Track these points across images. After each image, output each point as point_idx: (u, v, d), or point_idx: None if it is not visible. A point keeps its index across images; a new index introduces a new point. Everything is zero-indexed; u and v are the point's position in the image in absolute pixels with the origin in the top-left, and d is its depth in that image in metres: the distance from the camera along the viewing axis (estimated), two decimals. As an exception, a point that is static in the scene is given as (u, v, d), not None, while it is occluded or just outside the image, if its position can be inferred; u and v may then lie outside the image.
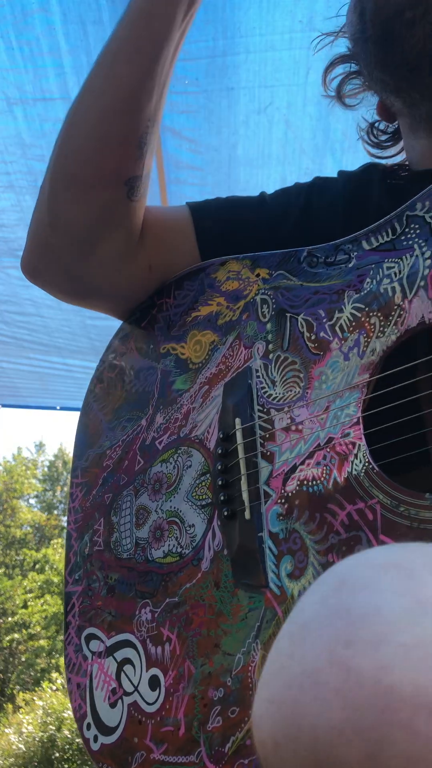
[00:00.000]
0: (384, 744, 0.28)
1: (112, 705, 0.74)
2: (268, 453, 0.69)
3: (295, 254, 0.77)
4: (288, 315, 0.74)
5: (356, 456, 0.61)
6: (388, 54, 0.69)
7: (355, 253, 0.70)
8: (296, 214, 0.85)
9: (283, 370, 0.72)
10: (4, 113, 2.13)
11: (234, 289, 0.82)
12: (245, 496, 0.68)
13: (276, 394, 0.71)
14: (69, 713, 8.68)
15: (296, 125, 2.14)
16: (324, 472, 0.63)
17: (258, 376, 0.74)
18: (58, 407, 4.10)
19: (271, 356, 0.74)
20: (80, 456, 0.96)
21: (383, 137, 0.89)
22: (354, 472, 0.61)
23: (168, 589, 0.74)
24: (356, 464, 0.61)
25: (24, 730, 9.28)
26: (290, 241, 0.80)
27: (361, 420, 0.62)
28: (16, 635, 14.91)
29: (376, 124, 0.89)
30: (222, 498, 0.71)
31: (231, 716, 0.62)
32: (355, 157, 2.20)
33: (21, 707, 10.66)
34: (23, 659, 14.93)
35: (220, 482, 0.72)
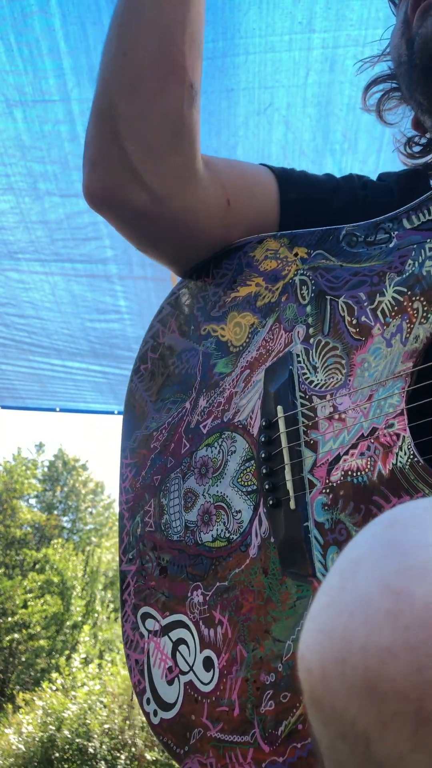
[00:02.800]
0: None
1: (170, 682, 0.77)
2: (312, 442, 0.69)
3: (334, 233, 0.74)
4: (328, 297, 0.72)
5: (401, 448, 0.60)
6: (429, 81, 0.78)
7: (396, 233, 0.67)
8: (360, 202, 0.89)
9: (325, 355, 0.70)
10: (4, 115, 2.12)
11: (272, 269, 0.81)
12: (290, 485, 0.68)
13: (318, 380, 0.70)
14: (69, 713, 8.90)
15: (296, 126, 2.11)
16: (368, 463, 0.62)
17: (299, 362, 0.73)
18: (57, 409, 4.13)
19: (311, 341, 0.72)
20: (128, 436, 0.97)
21: (417, 149, 0.98)
22: (399, 465, 0.60)
23: (218, 573, 0.76)
24: (401, 456, 0.60)
25: (24, 730, 9.16)
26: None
27: (405, 411, 0.61)
28: (16, 635, 14.93)
29: (414, 138, 0.97)
30: (267, 486, 0.71)
31: (283, 701, 0.64)
32: (354, 158, 2.18)
33: (21, 707, 10.53)
34: (23, 659, 14.99)
35: (264, 470, 0.72)
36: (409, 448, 0.60)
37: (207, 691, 0.72)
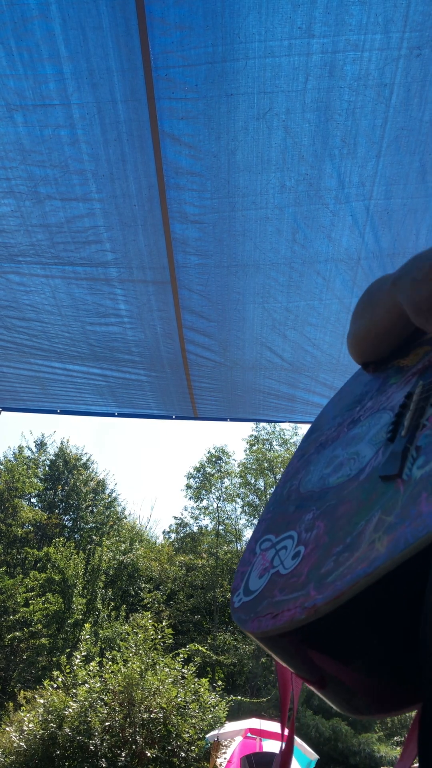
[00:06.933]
0: None
1: (260, 576, 0.92)
2: (435, 403, 0.87)
3: None
4: None
5: None
6: None
7: None
8: None
9: None
10: (4, 119, 2.13)
11: None
12: (406, 423, 0.86)
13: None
14: (70, 711, 9.01)
15: (295, 131, 2.13)
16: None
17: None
18: (58, 411, 4.06)
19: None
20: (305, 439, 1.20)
21: None
22: None
23: (329, 498, 0.92)
24: None
25: (25, 728, 9.44)
26: None
27: None
28: (17, 633, 15.19)
29: None
30: (389, 435, 0.89)
31: (340, 559, 0.76)
32: (353, 163, 2.18)
33: (22, 705, 10.82)
34: (24, 657, 15.19)
35: (392, 423, 0.91)
36: None
37: (285, 573, 0.86)
